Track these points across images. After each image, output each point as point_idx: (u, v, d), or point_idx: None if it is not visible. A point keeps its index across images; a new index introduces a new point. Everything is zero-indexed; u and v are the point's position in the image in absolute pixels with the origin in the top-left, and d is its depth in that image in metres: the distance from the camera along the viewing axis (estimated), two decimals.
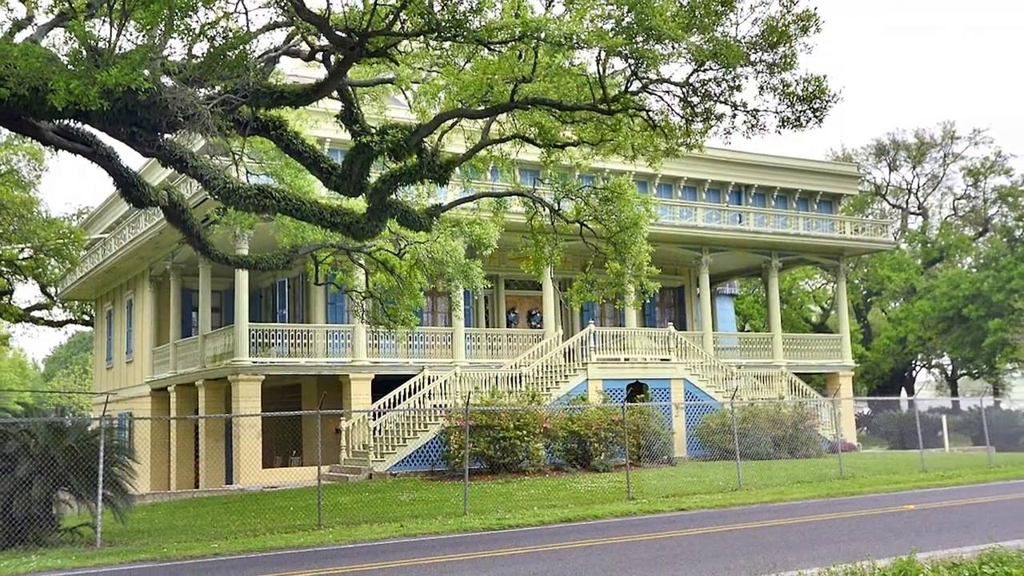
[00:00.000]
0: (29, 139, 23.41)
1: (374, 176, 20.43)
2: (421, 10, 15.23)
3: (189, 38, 15.87)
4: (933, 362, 79.80)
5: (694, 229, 41.31)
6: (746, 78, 18.22)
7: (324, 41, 17.98)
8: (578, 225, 24.11)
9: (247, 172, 24.05)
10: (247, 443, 32.03)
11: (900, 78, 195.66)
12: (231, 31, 16.57)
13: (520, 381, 34.58)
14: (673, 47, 17.20)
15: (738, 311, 65.99)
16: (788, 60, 17.81)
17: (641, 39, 16.52)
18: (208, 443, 35.64)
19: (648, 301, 42.04)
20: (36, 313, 55.56)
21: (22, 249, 36.16)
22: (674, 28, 16.15)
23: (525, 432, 30.15)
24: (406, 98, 23.02)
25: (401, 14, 15.71)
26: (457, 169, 21.43)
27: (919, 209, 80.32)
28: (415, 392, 33.37)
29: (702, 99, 18.80)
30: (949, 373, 79.94)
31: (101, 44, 14.68)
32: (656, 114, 19.92)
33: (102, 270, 44.43)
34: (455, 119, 20.28)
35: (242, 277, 33.79)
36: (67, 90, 13.67)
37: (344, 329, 35.24)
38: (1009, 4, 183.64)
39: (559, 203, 24.43)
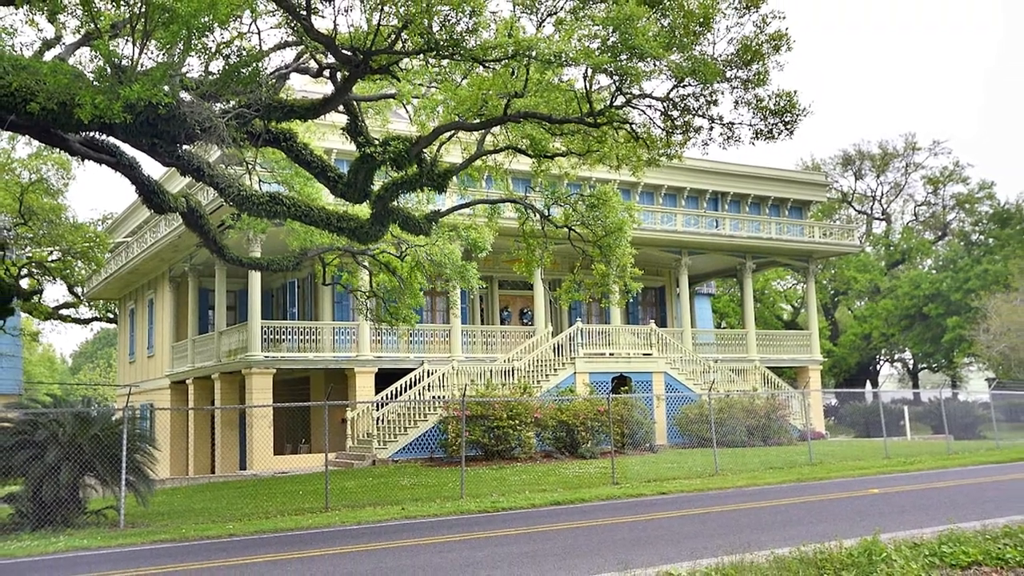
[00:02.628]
0: (58, 150, 23.30)
1: (377, 184, 20.42)
2: (421, 30, 15.23)
3: (206, 56, 15.87)
4: (896, 357, 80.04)
5: (674, 233, 41.32)
6: (722, 93, 18.22)
7: (331, 59, 17.98)
8: (567, 230, 24.10)
9: (259, 180, 24.02)
10: (259, 432, 32.02)
11: (867, 90, 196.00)
12: (245, 50, 16.59)
13: (513, 374, 34.58)
14: (655, 65, 17.20)
15: (715, 309, 66.09)
16: (761, 77, 17.83)
17: (625, 57, 16.52)
18: (223, 432, 35.61)
19: (631, 300, 42.12)
20: (64, 311, 55.42)
21: (51, 252, 36.04)
22: (656, 47, 16.15)
23: (517, 422, 30.17)
24: (407, 112, 22.99)
25: (402, 34, 15.71)
26: (454, 178, 21.42)
27: (883, 215, 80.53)
28: (415, 384, 33.36)
29: (681, 113, 18.81)
30: (910, 367, 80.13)
31: (124, 62, 14.66)
32: (639, 127, 19.92)
33: (125, 271, 44.38)
34: (452, 131, 20.28)
35: (255, 278, 33.78)
36: (93, 104, 13.66)
37: (349, 326, 35.23)
38: (968, 25, 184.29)
39: (549, 209, 24.43)
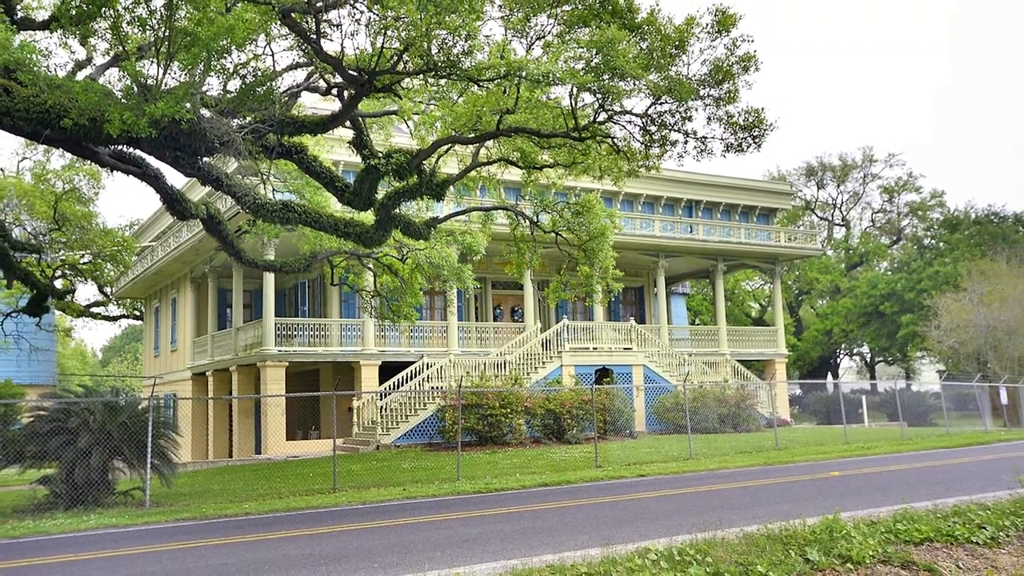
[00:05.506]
0: (89, 162, 23.28)
1: (381, 193, 20.41)
2: (421, 53, 15.23)
3: (224, 76, 15.85)
4: (854, 351, 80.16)
5: (652, 238, 41.37)
6: (696, 110, 18.22)
7: (339, 79, 17.96)
8: (554, 235, 24.12)
9: (273, 190, 24.01)
10: (273, 419, 31.98)
11: (829, 105, 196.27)
12: (260, 70, 16.58)
13: (505, 367, 34.59)
14: (634, 84, 17.20)
15: (689, 307, 66.14)
16: (732, 95, 17.85)
17: (607, 77, 16.53)
18: (240, 419, 35.56)
19: (613, 299, 42.10)
20: (94, 309, 55.23)
21: (83, 255, 35.94)
22: (635, 68, 16.17)
23: (509, 410, 30.16)
24: (408, 127, 22.98)
25: (404, 56, 15.71)
26: (451, 187, 21.45)
27: (843, 221, 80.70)
28: (415, 376, 33.35)
29: (659, 128, 18.81)
30: (868, 360, 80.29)
31: (150, 81, 14.64)
32: (620, 140, 19.92)
33: (150, 273, 44.28)
34: (449, 145, 20.28)
35: (269, 279, 33.73)
36: (121, 120, 13.64)
37: (355, 323, 35.19)
38: (924, 46, 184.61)
39: (538, 216, 24.44)
